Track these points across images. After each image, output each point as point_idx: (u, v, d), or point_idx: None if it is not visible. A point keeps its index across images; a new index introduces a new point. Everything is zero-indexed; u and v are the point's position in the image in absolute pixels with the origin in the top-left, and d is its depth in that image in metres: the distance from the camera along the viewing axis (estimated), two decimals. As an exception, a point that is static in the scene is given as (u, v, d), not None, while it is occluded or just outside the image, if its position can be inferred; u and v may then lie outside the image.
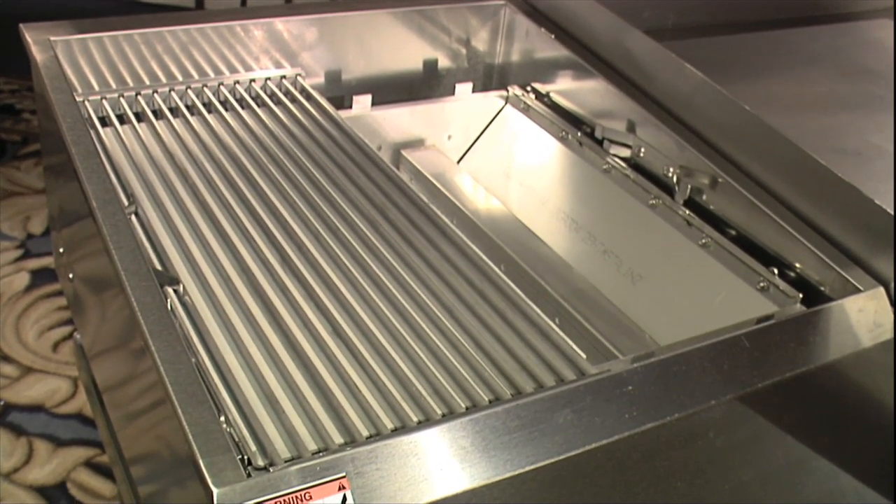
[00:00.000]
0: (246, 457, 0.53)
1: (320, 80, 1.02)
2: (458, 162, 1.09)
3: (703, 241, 0.84)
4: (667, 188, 0.89)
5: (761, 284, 0.78)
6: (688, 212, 0.86)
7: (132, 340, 0.66)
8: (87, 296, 0.85)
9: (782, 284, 0.77)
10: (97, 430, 1.20)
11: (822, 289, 0.76)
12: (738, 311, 0.78)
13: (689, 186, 0.86)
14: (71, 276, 0.92)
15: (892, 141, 0.82)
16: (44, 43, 0.90)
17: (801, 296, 0.76)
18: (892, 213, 0.73)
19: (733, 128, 0.85)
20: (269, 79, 0.97)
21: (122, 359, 0.72)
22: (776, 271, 0.78)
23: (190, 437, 0.52)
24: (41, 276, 1.50)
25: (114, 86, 0.93)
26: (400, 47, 1.05)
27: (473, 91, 1.09)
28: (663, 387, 0.59)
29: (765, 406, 0.63)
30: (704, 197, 0.86)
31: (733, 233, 0.83)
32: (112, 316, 0.73)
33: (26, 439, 1.19)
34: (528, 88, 1.07)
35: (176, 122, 0.89)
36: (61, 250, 0.96)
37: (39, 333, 1.38)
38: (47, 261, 1.53)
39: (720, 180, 0.83)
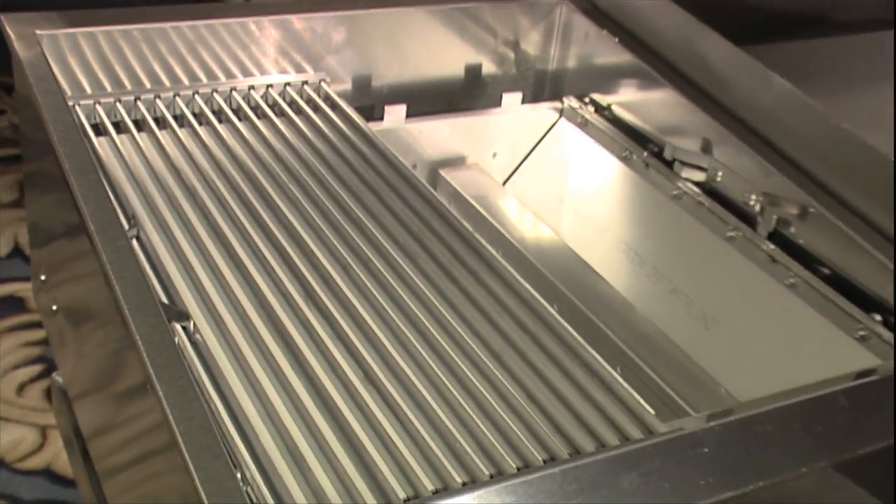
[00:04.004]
0: (267, 519, 0.55)
1: (347, 86, 1.05)
2: (504, 183, 1.11)
3: (791, 280, 0.85)
4: (748, 218, 0.90)
5: (860, 333, 0.79)
6: (772, 246, 0.88)
7: (132, 383, 0.68)
8: (74, 331, 0.87)
9: (885, 333, 0.78)
10: (70, 488, 1.20)
11: (933, 339, 0.77)
12: (831, 364, 0.78)
13: (775, 217, 0.88)
14: (55, 307, 0.94)
15: (893, 154, 0.82)
16: (29, 37, 0.92)
17: (907, 347, 0.77)
18: None
19: (827, 148, 0.86)
20: (288, 84, 1.00)
21: (117, 403, 0.74)
22: (879, 318, 0.79)
23: (203, 495, 0.53)
24: (5, 306, 1.50)
25: (109, 88, 0.96)
26: (439, 50, 1.08)
27: (523, 102, 1.11)
28: (744, 450, 0.61)
29: (865, 475, 0.64)
30: (792, 229, 0.87)
31: (827, 271, 0.84)
32: (107, 355, 0.75)
33: (-20, 501, 1.19)
34: (587, 100, 1.09)
35: (182, 132, 0.91)
36: (43, 277, 0.98)
37: (2, 373, 1.38)
38: (13, 287, 1.54)
39: (811, 210, 0.85)
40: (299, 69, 1.02)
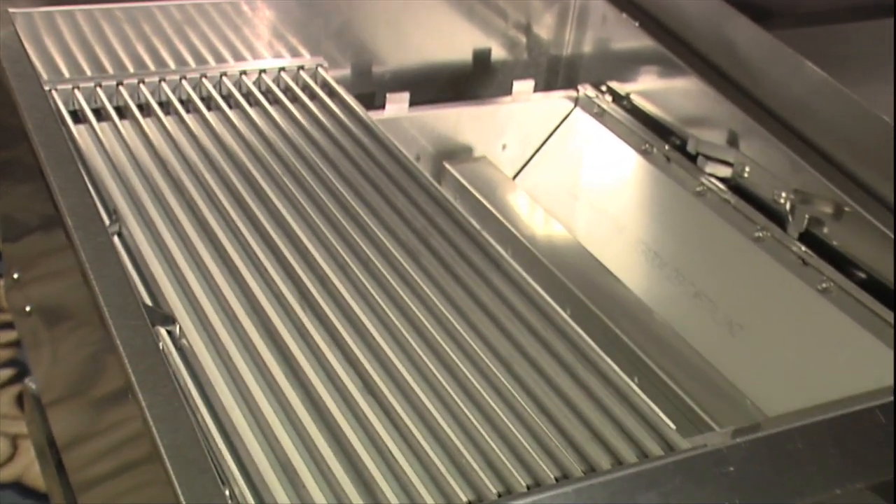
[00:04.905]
0: (257, 539, 0.55)
1: (346, 72, 1.05)
2: (514, 177, 1.11)
3: (823, 284, 0.85)
4: (777, 217, 0.90)
5: (898, 342, 0.79)
6: (804, 247, 0.87)
7: (112, 390, 0.68)
8: (49, 333, 0.87)
9: (925, 343, 0.78)
10: (42, 502, 1.20)
11: (978, 349, 0.77)
12: (867, 376, 0.78)
13: (806, 216, 0.88)
14: (28, 307, 0.94)
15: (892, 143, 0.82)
16: (1, 15, 0.92)
17: (949, 358, 0.77)
18: None
19: (864, 142, 0.86)
20: (283, 69, 1.00)
21: (95, 412, 0.73)
22: (918, 326, 0.79)
23: (188, 514, 0.53)
24: (-27, 305, 1.51)
25: (89, 72, 0.96)
26: (445, 34, 1.08)
27: (535, 90, 1.11)
28: (773, 468, 0.60)
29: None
30: (825, 229, 0.87)
31: (862, 275, 0.84)
32: (85, 360, 0.75)
33: (-54, 517, 1.19)
34: (604, 88, 1.09)
35: (167, 121, 0.91)
36: (15, 275, 0.98)
37: (-32, 379, 1.38)
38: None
39: (846, 209, 0.84)
40: (295, 53, 1.02)
